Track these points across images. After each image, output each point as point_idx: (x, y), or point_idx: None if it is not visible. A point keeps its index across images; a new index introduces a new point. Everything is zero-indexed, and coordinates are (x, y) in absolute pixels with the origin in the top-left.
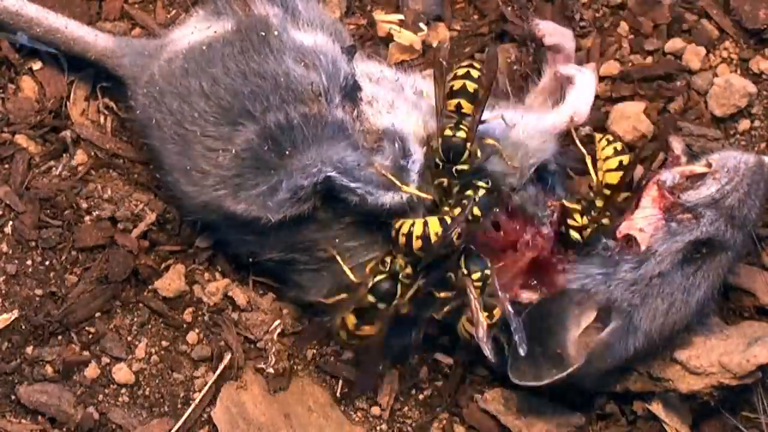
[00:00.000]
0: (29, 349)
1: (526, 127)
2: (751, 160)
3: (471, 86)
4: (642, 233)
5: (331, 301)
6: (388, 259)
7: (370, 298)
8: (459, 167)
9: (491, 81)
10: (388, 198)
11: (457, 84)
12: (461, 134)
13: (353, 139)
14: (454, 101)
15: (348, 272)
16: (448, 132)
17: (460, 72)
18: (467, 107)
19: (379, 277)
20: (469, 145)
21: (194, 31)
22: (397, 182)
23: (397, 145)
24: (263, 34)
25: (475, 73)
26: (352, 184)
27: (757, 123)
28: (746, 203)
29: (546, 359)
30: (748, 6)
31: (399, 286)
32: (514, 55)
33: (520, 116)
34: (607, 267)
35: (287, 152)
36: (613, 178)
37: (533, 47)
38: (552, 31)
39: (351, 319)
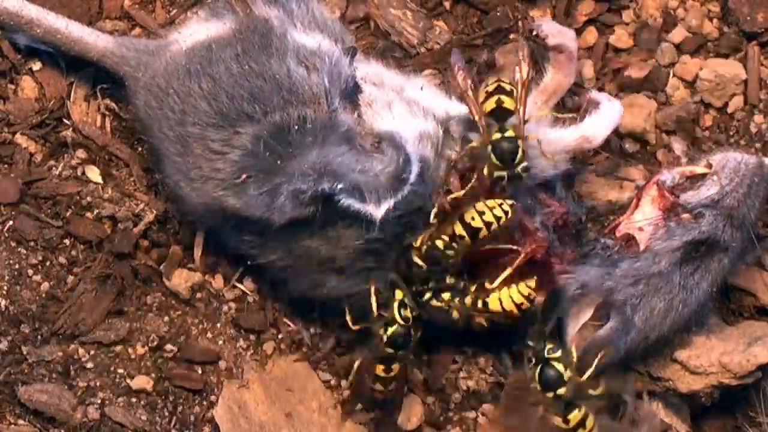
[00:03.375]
0: (29, 349)
1: (538, 140)
2: (752, 161)
3: (506, 85)
4: (641, 233)
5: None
6: (394, 309)
7: (389, 350)
8: (520, 168)
9: (527, 75)
10: (385, 203)
11: (492, 86)
12: (510, 132)
13: (354, 142)
14: (493, 99)
15: (374, 305)
16: (496, 136)
17: (491, 87)
18: (509, 102)
19: (391, 329)
20: (520, 142)
21: (195, 31)
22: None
23: (395, 147)
24: (264, 35)
25: (506, 86)
26: (350, 189)
27: (752, 125)
28: (746, 204)
29: None
30: (747, 8)
31: (412, 330)
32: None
33: (532, 127)
34: (606, 266)
35: (288, 154)
36: None
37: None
38: (555, 32)
39: (379, 368)
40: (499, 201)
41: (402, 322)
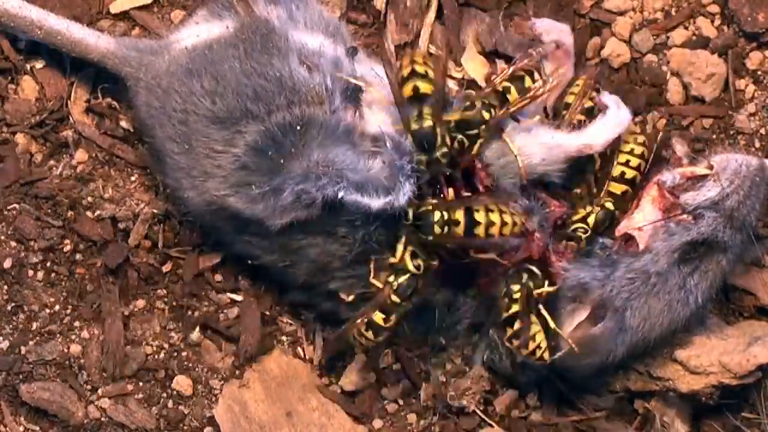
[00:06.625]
0: (30, 348)
1: (538, 142)
2: (753, 162)
3: (420, 68)
4: (641, 233)
5: (359, 316)
6: (406, 257)
7: (395, 299)
8: (439, 154)
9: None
10: (383, 203)
11: (406, 70)
12: (427, 123)
13: (355, 141)
14: (410, 85)
15: (374, 280)
16: (414, 125)
17: (406, 72)
18: (425, 87)
19: (401, 278)
20: (438, 130)
21: (197, 31)
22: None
23: (391, 145)
24: (266, 35)
25: (421, 69)
26: (352, 187)
27: (754, 124)
28: (746, 205)
29: None
30: (747, 9)
31: (417, 280)
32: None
33: (534, 128)
34: (604, 266)
35: (290, 154)
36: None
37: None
38: (549, 29)
39: (379, 317)
40: None
41: (414, 271)
